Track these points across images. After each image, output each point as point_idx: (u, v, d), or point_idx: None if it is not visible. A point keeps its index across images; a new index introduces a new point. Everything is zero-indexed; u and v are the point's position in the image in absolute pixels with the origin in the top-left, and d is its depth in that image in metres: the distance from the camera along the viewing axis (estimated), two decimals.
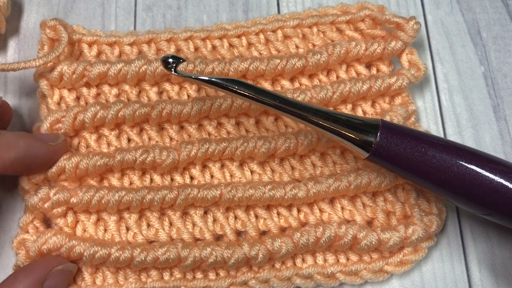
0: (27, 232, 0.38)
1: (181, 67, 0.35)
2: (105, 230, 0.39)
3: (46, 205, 0.37)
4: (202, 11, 0.45)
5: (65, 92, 0.41)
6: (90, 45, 0.42)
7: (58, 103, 0.41)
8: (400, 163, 0.33)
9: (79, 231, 0.39)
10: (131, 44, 0.42)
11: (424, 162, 0.33)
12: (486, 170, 0.32)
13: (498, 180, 0.32)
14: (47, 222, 0.39)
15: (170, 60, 0.34)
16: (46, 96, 0.40)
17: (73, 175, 0.38)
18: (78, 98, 0.41)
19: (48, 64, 0.40)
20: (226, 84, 0.33)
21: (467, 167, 0.33)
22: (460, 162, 0.33)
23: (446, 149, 0.33)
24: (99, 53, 0.42)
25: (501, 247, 0.40)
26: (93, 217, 0.39)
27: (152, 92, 0.41)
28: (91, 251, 0.36)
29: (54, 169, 0.38)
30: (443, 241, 0.40)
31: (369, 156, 0.34)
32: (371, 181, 0.38)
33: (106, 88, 0.41)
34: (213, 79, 0.33)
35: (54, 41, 0.41)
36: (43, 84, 0.40)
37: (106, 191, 0.37)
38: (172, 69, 0.34)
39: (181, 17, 0.45)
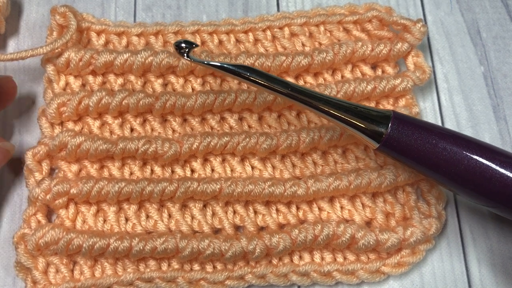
0: (30, 225, 0.38)
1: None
2: (105, 221, 0.39)
3: (48, 197, 0.38)
4: (201, 11, 0.45)
5: (71, 79, 0.41)
6: (98, 33, 0.42)
7: (64, 89, 0.41)
8: (410, 154, 0.33)
9: (79, 222, 0.39)
10: (138, 35, 0.42)
11: (435, 154, 0.33)
12: (496, 164, 0.32)
13: (509, 174, 0.32)
14: (50, 216, 0.39)
15: (183, 44, 0.34)
16: (52, 82, 0.41)
17: (73, 153, 0.38)
18: (83, 85, 0.41)
19: (56, 50, 0.40)
20: (238, 70, 0.33)
21: (478, 160, 0.32)
22: (471, 155, 0.32)
23: (457, 141, 0.33)
24: (107, 42, 0.43)
25: (500, 246, 0.40)
26: (93, 208, 0.39)
27: (157, 84, 0.41)
28: (90, 242, 0.36)
29: (56, 141, 0.38)
30: (442, 241, 0.40)
31: (380, 147, 0.34)
32: (371, 181, 0.38)
33: (111, 77, 0.41)
34: (225, 65, 0.33)
35: (63, 27, 0.41)
36: (50, 69, 0.40)
37: (106, 182, 0.38)
38: (185, 54, 0.34)
39: (181, 17, 0.45)
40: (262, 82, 0.33)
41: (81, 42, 0.42)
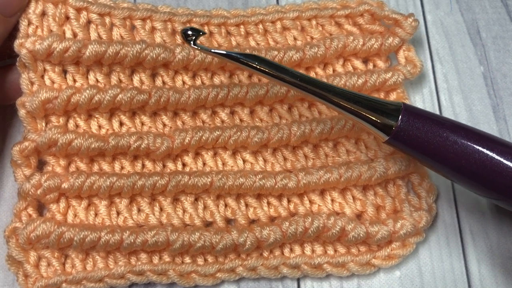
0: (21, 219, 0.38)
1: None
2: (96, 215, 0.39)
3: (38, 192, 0.37)
4: None
5: (48, 66, 0.39)
6: (78, 11, 0.39)
7: (42, 76, 0.39)
8: (420, 147, 0.33)
9: (70, 216, 0.38)
10: (125, 18, 0.40)
11: (445, 148, 0.32)
12: (508, 158, 0.32)
13: None
14: (41, 210, 0.39)
15: (190, 32, 0.33)
16: (27, 68, 0.38)
17: (63, 151, 0.38)
18: (64, 72, 0.39)
19: (34, 37, 0.37)
20: (245, 59, 0.33)
21: (488, 154, 0.32)
22: (482, 149, 0.32)
23: (468, 135, 0.33)
24: (88, 22, 0.40)
25: (500, 246, 0.40)
26: (84, 202, 0.39)
27: (145, 75, 0.40)
28: (81, 235, 0.36)
29: (45, 139, 0.37)
30: (442, 241, 0.40)
31: (389, 139, 0.33)
32: (361, 174, 0.39)
33: (96, 66, 0.39)
34: (232, 54, 0.33)
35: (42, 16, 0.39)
36: (25, 54, 0.37)
37: (97, 177, 0.37)
38: (191, 42, 0.33)
39: None
40: (270, 72, 0.33)
41: (58, 19, 0.39)
